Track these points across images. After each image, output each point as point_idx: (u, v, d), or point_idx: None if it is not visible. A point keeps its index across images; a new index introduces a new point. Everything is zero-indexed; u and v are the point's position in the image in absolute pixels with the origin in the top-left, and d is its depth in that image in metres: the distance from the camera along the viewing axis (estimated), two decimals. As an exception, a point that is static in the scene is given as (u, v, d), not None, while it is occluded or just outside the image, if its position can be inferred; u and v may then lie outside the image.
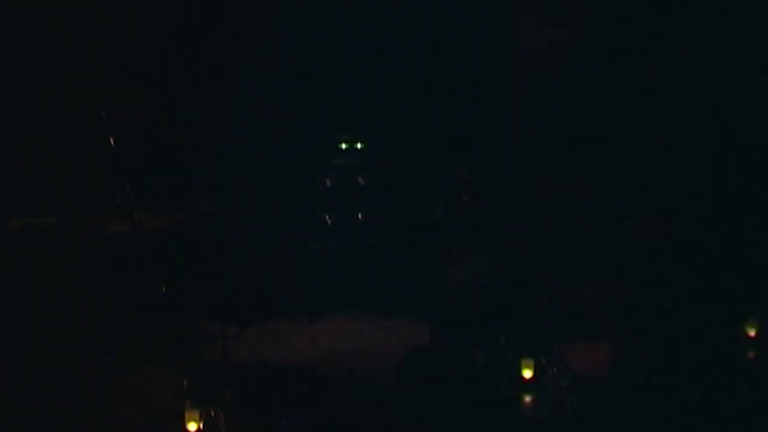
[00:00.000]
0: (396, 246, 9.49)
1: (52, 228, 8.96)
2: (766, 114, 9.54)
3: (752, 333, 7.95)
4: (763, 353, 7.86)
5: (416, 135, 9.99)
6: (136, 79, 9.50)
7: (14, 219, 8.94)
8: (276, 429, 7.05)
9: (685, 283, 8.55)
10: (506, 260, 8.96)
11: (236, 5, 9.78)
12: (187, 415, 6.81)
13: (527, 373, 7.46)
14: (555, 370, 7.56)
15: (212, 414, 6.90)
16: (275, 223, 9.53)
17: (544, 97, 10.09)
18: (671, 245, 9.03)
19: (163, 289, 8.54)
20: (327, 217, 9.49)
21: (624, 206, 9.49)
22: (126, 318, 8.36)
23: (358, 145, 9.67)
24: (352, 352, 8.55)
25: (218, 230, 9.34)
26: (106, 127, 8.82)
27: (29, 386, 7.45)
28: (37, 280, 8.42)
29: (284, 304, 9.16)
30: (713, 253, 8.79)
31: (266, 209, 9.61)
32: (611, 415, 7.07)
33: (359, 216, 9.55)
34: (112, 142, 8.86)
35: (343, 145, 9.65)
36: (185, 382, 7.27)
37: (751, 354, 7.88)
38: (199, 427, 6.80)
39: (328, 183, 9.56)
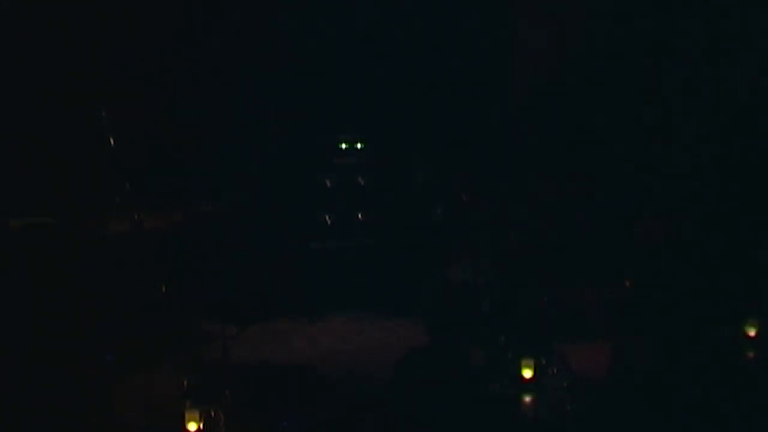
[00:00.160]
0: (396, 246, 9.49)
1: (52, 228, 8.96)
2: (766, 114, 9.53)
3: (752, 333, 7.95)
4: (763, 353, 7.86)
5: (416, 135, 9.99)
6: (136, 79, 9.51)
7: (14, 219, 8.94)
8: (276, 429, 7.05)
9: (685, 283, 8.54)
10: (506, 260, 8.96)
11: (236, 5, 9.78)
12: (187, 415, 6.80)
13: (527, 373, 7.46)
14: (555, 370, 7.56)
15: (212, 414, 6.89)
16: (275, 223, 9.53)
17: (544, 97, 10.08)
18: (671, 245, 9.03)
19: (163, 289, 8.53)
20: (327, 217, 9.50)
21: (624, 206, 9.49)
22: (126, 318, 8.35)
23: (358, 145, 9.68)
24: (352, 352, 8.55)
25: (218, 230, 9.34)
26: (106, 127, 8.81)
27: (29, 386, 7.45)
28: (37, 280, 8.42)
29: (284, 304, 9.17)
30: (713, 253, 8.79)
31: (266, 209, 9.62)
32: (611, 415, 7.06)
33: (359, 216, 9.55)
34: (112, 142, 8.85)
35: (343, 145, 9.66)
36: (185, 382, 7.27)
37: (751, 354, 7.88)
38: (199, 427, 6.80)
39: (328, 183, 9.56)
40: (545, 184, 9.68)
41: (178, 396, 7.14)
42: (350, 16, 9.98)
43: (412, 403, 7.36)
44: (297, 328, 8.96)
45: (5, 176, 9.12)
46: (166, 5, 9.59)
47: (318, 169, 9.64)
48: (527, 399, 7.42)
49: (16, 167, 9.17)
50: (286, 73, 9.92)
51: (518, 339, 7.86)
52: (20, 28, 9.25)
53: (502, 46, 10.19)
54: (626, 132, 9.91)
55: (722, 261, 8.67)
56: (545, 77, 10.08)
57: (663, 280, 8.68)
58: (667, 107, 9.89)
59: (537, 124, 10.11)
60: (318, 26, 9.92)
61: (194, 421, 6.79)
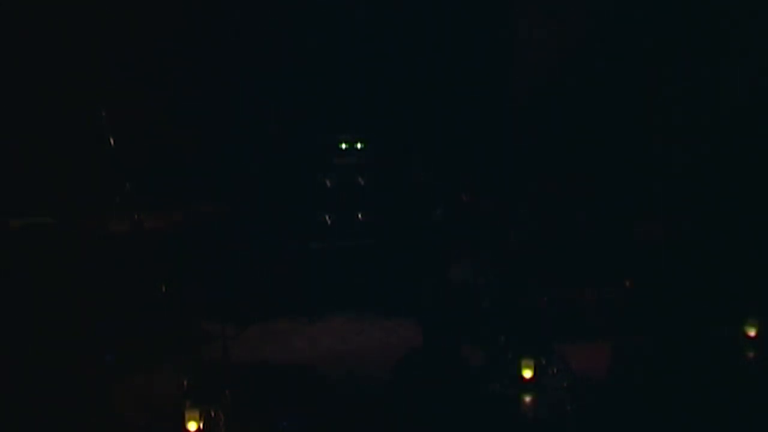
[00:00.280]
0: (396, 246, 9.49)
1: (52, 228, 8.96)
2: (767, 114, 9.53)
3: (752, 333, 7.95)
4: (763, 353, 7.86)
5: (416, 135, 9.99)
6: (136, 79, 9.51)
7: (14, 219, 8.94)
8: (276, 429, 7.05)
9: (685, 283, 8.54)
10: (506, 260, 8.96)
11: (236, 5, 9.78)
12: (187, 415, 6.80)
13: (527, 373, 7.46)
14: (555, 370, 7.56)
15: (212, 414, 6.89)
16: (275, 223, 9.53)
17: (544, 97, 10.08)
18: (671, 245, 9.03)
19: (163, 289, 8.53)
20: (327, 217, 9.50)
21: (624, 206, 9.49)
22: (126, 318, 8.35)
23: (358, 145, 9.67)
24: (352, 352, 8.55)
25: (218, 230, 9.34)
26: (106, 127, 8.81)
27: (29, 386, 7.45)
28: (37, 280, 8.42)
29: (284, 304, 9.17)
30: (713, 253, 8.79)
31: (266, 209, 9.62)
32: (611, 415, 7.06)
33: (359, 216, 9.55)
34: (112, 142, 8.85)
35: (343, 145, 9.66)
36: (185, 382, 7.26)
37: (751, 354, 7.88)
38: (199, 427, 6.80)
39: (328, 183, 9.56)
40: (545, 184, 9.67)
41: (178, 396, 7.13)
42: (350, 16, 9.98)
43: (412, 403, 7.36)
44: (297, 328, 8.96)
45: (5, 176, 9.12)
46: (165, 5, 9.59)
47: (318, 169, 9.63)
48: (527, 399, 7.41)
49: (16, 167, 9.17)
50: (286, 73, 9.92)
51: (518, 339, 7.86)
52: (20, 28, 9.25)
53: (502, 46, 10.19)
54: (626, 132, 9.91)
55: (722, 261, 8.67)
56: (545, 77, 10.08)
57: (663, 280, 8.68)
58: (667, 107, 9.89)
59: (537, 125, 10.11)
60: (318, 26, 9.92)
61: (194, 421, 6.79)
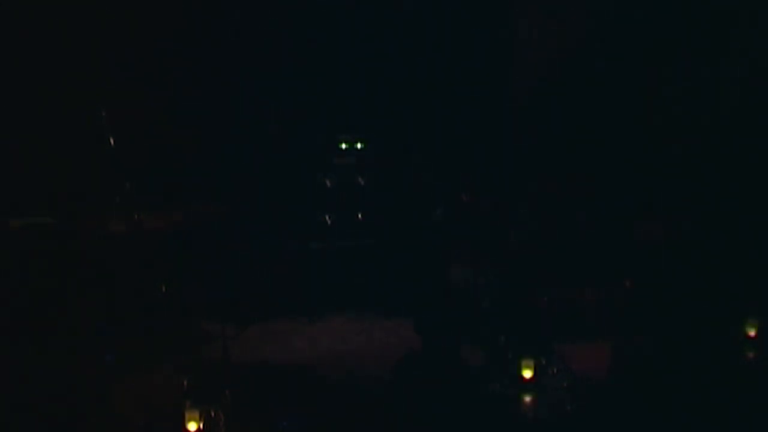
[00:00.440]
0: (396, 246, 9.48)
1: (52, 228, 8.96)
2: (767, 114, 9.54)
3: (752, 333, 7.95)
4: (763, 353, 7.86)
5: (416, 135, 9.99)
6: (136, 79, 9.51)
7: (14, 219, 8.94)
8: (276, 429, 7.05)
9: (685, 283, 8.54)
10: (506, 260, 8.96)
11: (236, 5, 9.78)
12: (187, 415, 6.80)
13: (527, 373, 7.46)
14: (555, 370, 7.56)
15: (212, 414, 6.89)
16: (275, 223, 9.53)
17: (544, 97, 10.09)
18: (671, 245, 9.03)
19: (163, 289, 8.54)
20: (327, 217, 9.49)
21: (624, 206, 9.49)
22: (126, 318, 8.36)
23: (358, 145, 9.67)
24: (352, 352, 8.55)
25: (218, 230, 9.34)
26: (106, 127, 8.81)
27: (29, 386, 7.45)
28: (37, 280, 8.42)
29: (284, 304, 9.16)
30: (713, 253, 8.79)
31: (266, 209, 9.62)
32: (611, 415, 7.06)
33: (359, 216, 9.55)
34: (112, 142, 8.85)
35: (343, 145, 9.66)
36: (185, 382, 7.27)
37: (751, 354, 7.88)
38: (199, 427, 6.80)
39: (328, 183, 9.56)
40: (545, 184, 9.68)
41: (178, 396, 7.14)
42: (350, 16, 9.98)
43: (413, 403, 7.36)
44: (297, 328, 8.96)
45: (5, 176, 9.12)
46: (165, 5, 9.59)
47: (318, 169, 9.63)
48: (527, 399, 7.42)
49: (16, 167, 9.17)
50: (286, 73, 9.92)
51: (518, 339, 7.86)
52: (20, 28, 9.26)
53: (502, 46, 10.19)
54: (626, 132, 9.91)
55: (722, 261, 8.67)
56: (545, 77, 10.08)
57: (663, 280, 8.67)
58: (667, 107, 9.90)
59: (537, 124, 10.11)
60: (318, 26, 9.92)
61: (194, 421, 6.79)
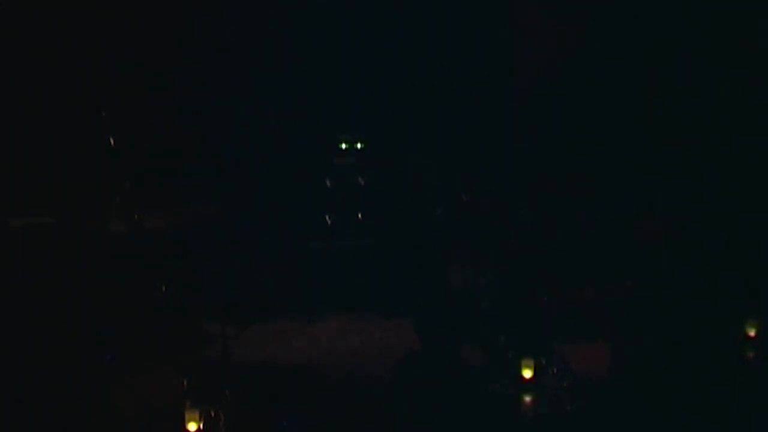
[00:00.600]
0: (396, 246, 9.48)
1: (52, 228, 8.96)
2: (766, 114, 9.54)
3: (752, 333, 7.95)
4: (763, 353, 7.86)
5: (416, 135, 9.99)
6: (137, 79, 9.51)
7: (14, 219, 8.94)
8: (276, 429, 7.05)
9: (685, 283, 8.54)
10: (506, 260, 8.96)
11: (237, 5, 9.78)
12: (187, 415, 6.81)
13: (527, 373, 7.46)
14: (555, 370, 7.57)
15: (212, 414, 6.89)
16: (275, 223, 9.53)
17: (544, 97, 10.08)
18: (671, 245, 9.03)
19: (163, 289, 8.54)
20: (327, 217, 9.49)
21: (624, 206, 9.49)
22: (126, 318, 8.35)
23: (358, 145, 9.67)
24: (352, 352, 8.55)
25: (218, 230, 9.34)
26: (106, 127, 8.81)
27: (29, 386, 7.45)
28: (37, 280, 8.42)
29: (284, 304, 9.16)
30: (713, 253, 8.79)
31: (266, 209, 9.61)
32: (611, 415, 7.06)
33: (359, 216, 9.55)
34: (112, 142, 8.86)
35: (343, 145, 9.65)
36: (185, 382, 7.27)
37: (751, 354, 7.88)
38: (199, 427, 6.80)
39: (328, 183, 9.56)
40: (545, 184, 9.68)
41: (178, 396, 7.14)
42: (350, 16, 9.98)
43: (413, 403, 7.36)
44: (297, 328, 8.96)
45: (5, 176, 9.12)
46: (165, 5, 9.59)
47: (318, 169, 9.63)
48: (527, 399, 7.42)
49: (17, 167, 9.17)
50: (286, 73, 9.92)
51: (518, 339, 7.86)
52: (20, 28, 9.26)
53: (502, 45, 10.19)
54: (626, 132, 9.91)
55: (722, 261, 8.67)
56: (545, 77, 10.08)
57: (663, 280, 8.67)
58: (667, 107, 9.90)
59: (537, 124, 10.11)
60: (318, 26, 9.92)
61: (194, 421, 6.80)
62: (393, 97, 9.96)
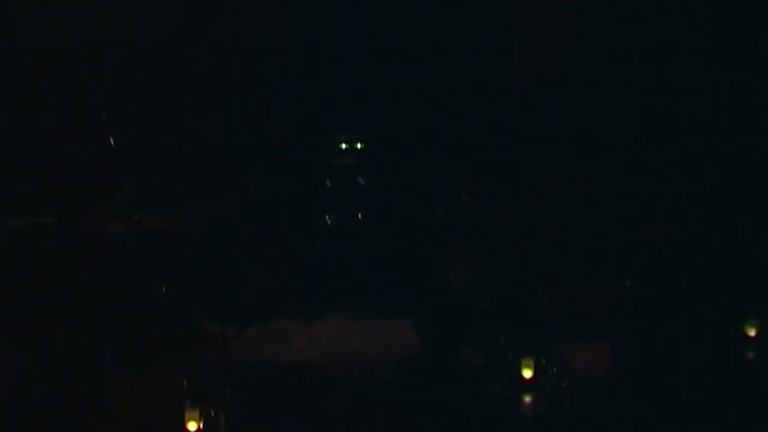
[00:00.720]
0: (396, 246, 9.48)
1: (52, 228, 8.96)
2: (766, 114, 9.54)
3: (752, 333, 7.95)
4: (763, 353, 7.86)
5: (416, 135, 9.99)
6: (137, 79, 9.51)
7: (14, 219, 8.94)
8: (276, 429, 7.05)
9: (685, 283, 8.54)
10: (506, 260, 8.96)
11: (237, 5, 9.78)
12: (187, 415, 6.80)
13: (527, 373, 7.46)
14: (555, 370, 7.56)
15: (212, 414, 6.89)
16: (275, 223, 9.53)
17: (545, 97, 10.09)
18: (671, 245, 9.03)
19: (163, 289, 8.54)
20: (327, 217, 9.49)
21: (624, 206, 9.49)
22: (126, 318, 8.36)
23: (358, 145, 9.67)
24: (352, 352, 8.55)
25: (218, 230, 9.34)
26: (106, 127, 8.82)
27: (29, 386, 7.45)
28: (37, 280, 8.42)
29: (284, 304, 9.16)
30: (713, 253, 8.79)
31: (266, 209, 9.61)
32: (611, 415, 7.06)
33: (359, 216, 9.55)
34: (112, 142, 8.86)
35: (343, 145, 9.65)
36: (185, 382, 7.27)
37: (751, 354, 7.88)
38: (199, 427, 6.80)
39: (328, 183, 9.56)
40: (545, 184, 9.68)
41: (178, 396, 7.14)
42: (350, 16, 9.98)
43: (413, 403, 7.36)
44: (297, 328, 8.96)
45: (5, 176, 9.12)
46: (166, 5, 9.59)
47: (318, 169, 9.63)
48: (527, 399, 7.42)
49: (17, 167, 9.18)
50: (286, 73, 9.92)
51: (518, 339, 7.86)
52: (20, 28, 9.26)
53: (503, 45, 10.19)
54: (626, 132, 9.91)
55: (722, 261, 8.67)
56: (546, 77, 10.08)
57: (663, 280, 8.67)
58: (667, 107, 9.90)
59: (537, 124, 10.11)
60: (318, 26, 9.92)
61: (194, 421, 6.79)
62: (393, 97, 9.96)
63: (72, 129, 9.26)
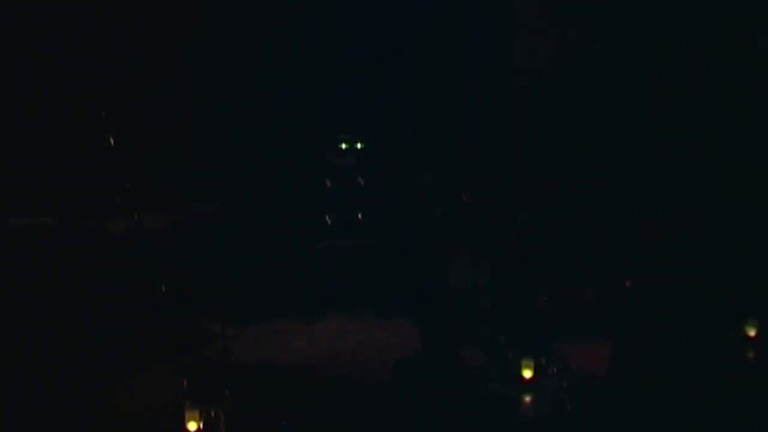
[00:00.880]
0: (396, 246, 9.48)
1: (52, 228, 8.96)
2: (766, 114, 9.54)
3: (752, 333, 7.95)
4: (763, 353, 7.85)
5: (416, 135, 9.99)
6: (137, 79, 9.51)
7: (14, 219, 8.94)
8: (276, 429, 7.05)
9: (686, 283, 8.54)
10: (506, 260, 8.96)
11: (237, 5, 9.78)
12: (187, 415, 6.80)
13: (527, 373, 7.46)
14: (555, 370, 7.56)
15: (212, 414, 6.89)
16: (275, 223, 9.53)
17: (545, 97, 10.09)
18: (671, 245, 9.03)
19: (163, 289, 8.54)
20: (327, 217, 9.49)
21: (624, 206, 9.49)
22: (126, 318, 8.36)
23: (358, 145, 9.67)
24: (352, 352, 8.55)
25: (218, 230, 9.34)
26: (106, 127, 8.82)
27: (29, 386, 7.45)
28: (37, 280, 8.42)
29: (284, 304, 9.16)
30: (713, 253, 8.79)
31: (266, 209, 9.62)
32: (611, 415, 7.06)
33: (359, 216, 9.55)
34: (112, 142, 8.86)
35: (343, 145, 9.65)
36: (185, 382, 7.27)
37: (751, 354, 7.88)
38: (199, 427, 6.80)
39: (328, 183, 9.56)
40: (546, 184, 9.67)
41: (178, 396, 7.14)
42: (351, 16, 9.98)
43: (413, 403, 7.36)
44: (297, 328, 8.96)
45: (5, 176, 9.12)
46: (166, 4, 9.60)
47: (318, 169, 9.63)
48: (527, 399, 7.42)
49: (17, 167, 9.18)
50: (286, 73, 9.92)
51: (518, 339, 7.86)
52: (20, 28, 9.26)
53: (503, 45, 10.19)
54: (626, 132, 9.91)
55: (723, 261, 8.67)
56: (546, 77, 10.08)
57: (663, 280, 8.67)
58: (668, 107, 9.90)
59: (537, 124, 10.11)
60: (318, 26, 9.93)
61: (194, 421, 6.79)
62: (393, 97, 9.96)
63: (72, 129, 9.26)
